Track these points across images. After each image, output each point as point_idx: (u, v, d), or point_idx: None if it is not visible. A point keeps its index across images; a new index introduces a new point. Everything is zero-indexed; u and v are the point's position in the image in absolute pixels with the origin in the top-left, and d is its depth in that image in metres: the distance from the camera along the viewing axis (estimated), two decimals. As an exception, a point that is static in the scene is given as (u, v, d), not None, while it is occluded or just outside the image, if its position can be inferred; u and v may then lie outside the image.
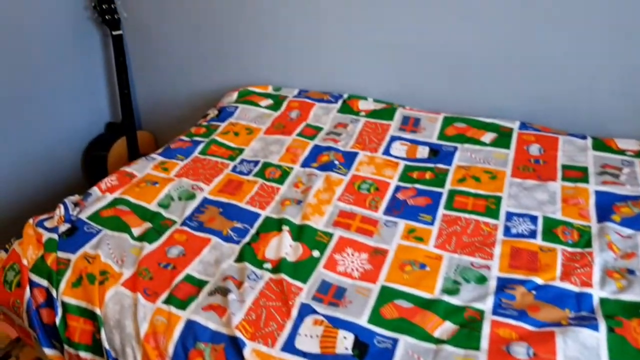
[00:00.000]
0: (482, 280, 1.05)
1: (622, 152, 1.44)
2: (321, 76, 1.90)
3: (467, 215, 1.24)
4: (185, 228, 1.20)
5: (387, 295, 1.02)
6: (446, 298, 1.01)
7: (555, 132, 1.55)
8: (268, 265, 1.07)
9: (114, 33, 2.05)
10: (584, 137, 1.51)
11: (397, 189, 1.35)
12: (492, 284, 1.04)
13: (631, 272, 1.04)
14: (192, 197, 1.31)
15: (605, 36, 1.46)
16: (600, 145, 1.48)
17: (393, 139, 1.58)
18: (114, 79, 2.22)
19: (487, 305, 0.99)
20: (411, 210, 1.26)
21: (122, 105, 2.16)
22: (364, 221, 1.22)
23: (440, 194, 1.32)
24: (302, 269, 1.05)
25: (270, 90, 1.94)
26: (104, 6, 2.02)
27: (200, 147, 1.57)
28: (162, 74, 2.23)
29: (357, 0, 1.70)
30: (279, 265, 1.05)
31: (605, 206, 1.23)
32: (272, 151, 1.55)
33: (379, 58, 1.77)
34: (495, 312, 0.97)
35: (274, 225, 1.20)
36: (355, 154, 1.50)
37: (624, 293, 0.99)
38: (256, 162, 1.49)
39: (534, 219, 1.21)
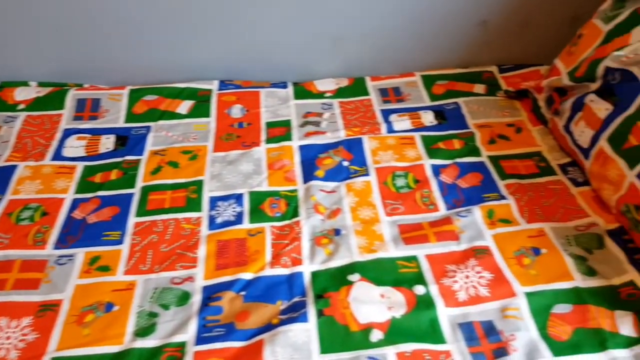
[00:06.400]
0: (184, 299, 0.92)
1: (321, 94, 1.45)
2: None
3: (165, 217, 1.09)
4: None
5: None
6: (139, 343, 0.84)
7: (258, 86, 1.48)
8: None
9: None
10: (285, 86, 1.47)
11: (75, 204, 1.11)
12: (197, 299, 0.92)
13: (337, 232, 1.04)
14: None
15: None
16: (301, 91, 1.46)
17: (67, 133, 1.30)
18: None
19: (189, 333, 0.86)
20: (93, 230, 1.05)
21: None
22: (26, 268, 0.96)
23: (131, 197, 1.13)
24: None
25: None
26: None
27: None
28: None
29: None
30: None
31: (310, 162, 1.22)
32: None
33: (40, 25, 1.40)
34: (199, 340, 0.85)
35: None
36: (11, 169, 1.18)
37: (332, 260, 0.98)
38: None
39: (239, 199, 1.12)
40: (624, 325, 0.84)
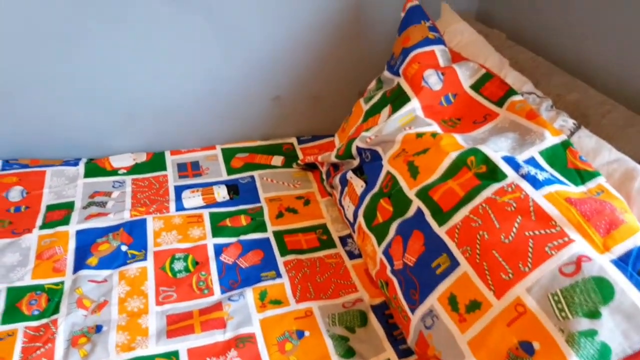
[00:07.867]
0: None
1: (115, 171, 1.40)
2: None
3: None
4: None
5: None
6: None
7: (47, 164, 1.40)
8: None
9: None
10: (76, 164, 1.40)
11: None
12: None
13: (99, 329, 0.98)
14: None
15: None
16: (93, 169, 1.40)
17: None
18: None
19: None
20: None
21: None
22: None
23: None
24: None
25: None
26: None
27: None
28: None
29: None
30: None
31: (85, 248, 1.15)
32: None
33: None
34: None
35: None
36: None
37: (88, 362, 0.91)
38: None
39: None
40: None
